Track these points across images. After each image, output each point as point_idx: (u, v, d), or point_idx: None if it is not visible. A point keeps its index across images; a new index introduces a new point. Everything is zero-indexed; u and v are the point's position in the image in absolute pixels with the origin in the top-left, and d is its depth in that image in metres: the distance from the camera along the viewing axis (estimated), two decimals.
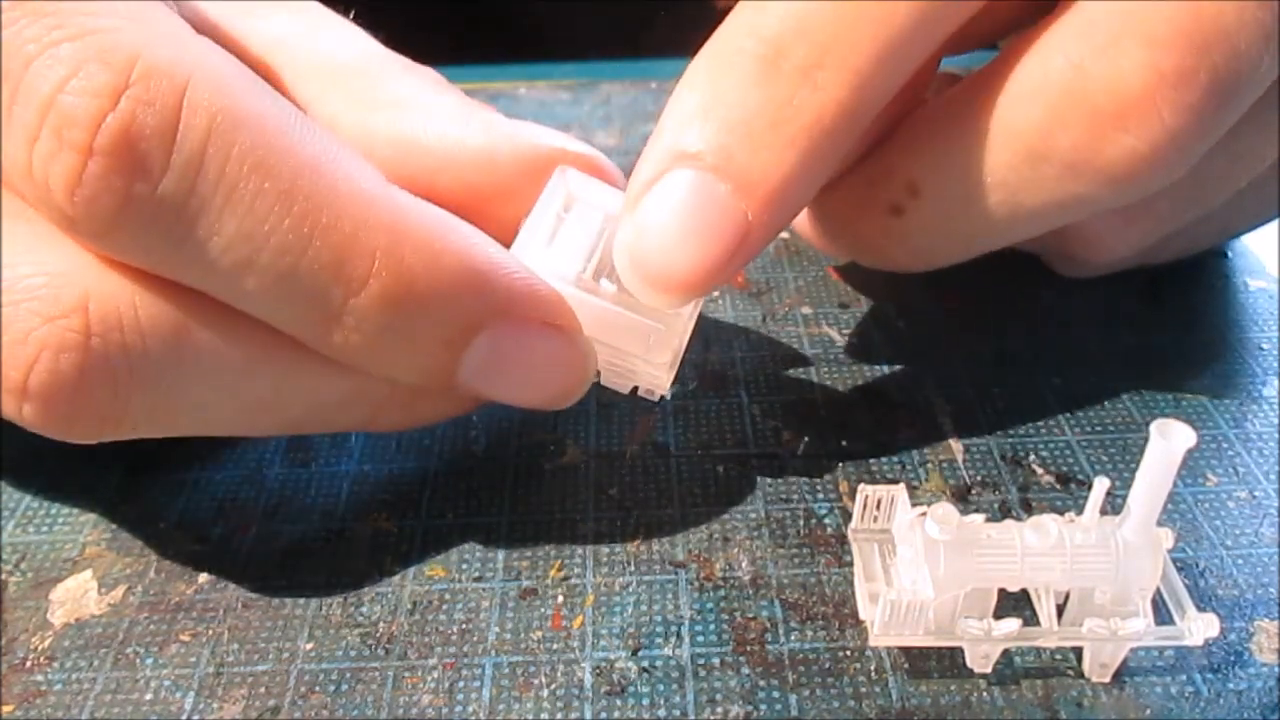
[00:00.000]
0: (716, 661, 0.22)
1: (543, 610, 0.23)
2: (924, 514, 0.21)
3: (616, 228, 0.23)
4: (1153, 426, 0.19)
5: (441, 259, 0.21)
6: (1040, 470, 0.26)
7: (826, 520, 0.25)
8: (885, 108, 0.23)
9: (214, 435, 0.24)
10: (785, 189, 0.21)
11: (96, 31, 0.18)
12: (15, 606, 0.23)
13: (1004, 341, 0.30)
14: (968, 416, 0.27)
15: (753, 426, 0.27)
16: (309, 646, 0.22)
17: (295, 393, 0.22)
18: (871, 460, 0.26)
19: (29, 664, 0.22)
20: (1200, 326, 0.30)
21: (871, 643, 0.22)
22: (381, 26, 0.27)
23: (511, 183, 0.24)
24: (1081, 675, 0.21)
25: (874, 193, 0.26)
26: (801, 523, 0.25)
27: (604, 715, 0.21)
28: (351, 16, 0.27)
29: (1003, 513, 0.25)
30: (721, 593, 0.23)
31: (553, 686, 0.21)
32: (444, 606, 0.23)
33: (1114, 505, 0.21)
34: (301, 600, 0.23)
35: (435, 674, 0.22)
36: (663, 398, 0.25)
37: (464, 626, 0.23)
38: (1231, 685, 0.21)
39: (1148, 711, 0.21)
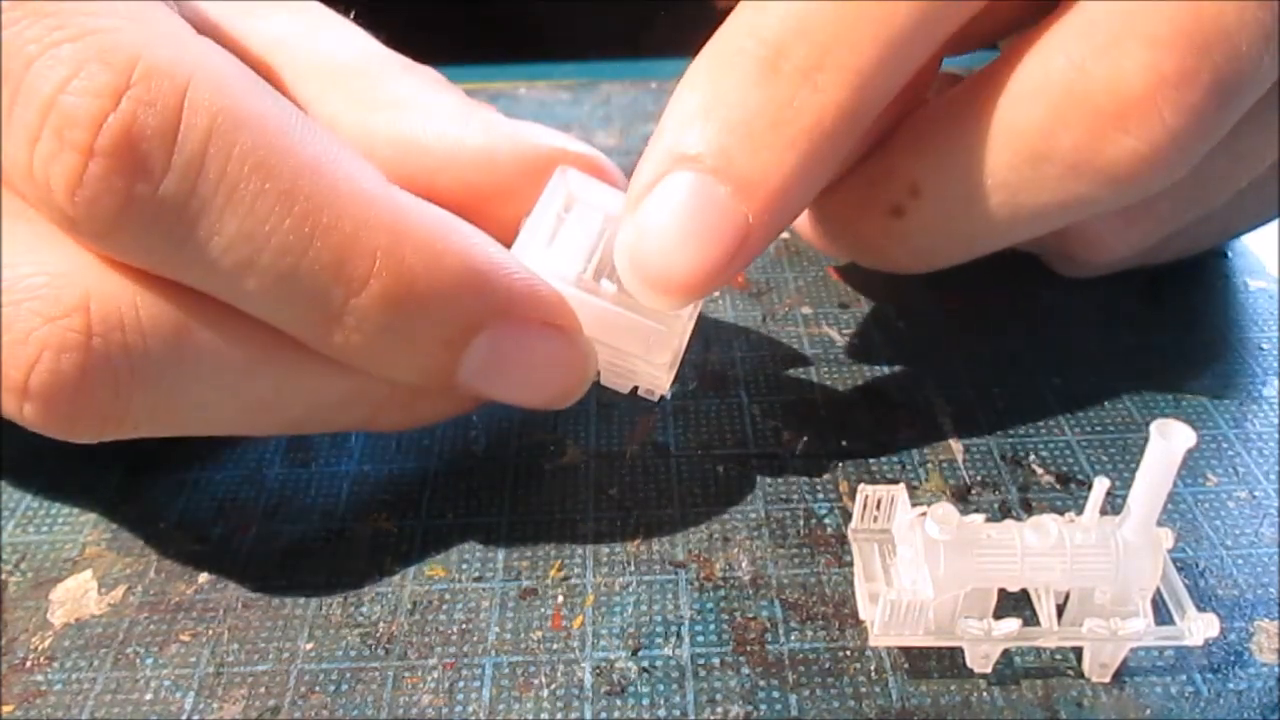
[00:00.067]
0: (716, 661, 0.22)
1: (543, 610, 0.23)
2: (924, 514, 0.21)
3: (617, 228, 0.23)
4: (1153, 426, 0.19)
5: (442, 259, 0.21)
6: (1040, 470, 0.26)
7: (826, 520, 0.25)
8: (886, 108, 0.23)
9: (214, 435, 0.24)
10: (785, 190, 0.21)
11: (97, 32, 0.18)
12: (15, 606, 0.23)
13: (1004, 341, 0.30)
14: (968, 416, 0.27)
15: (753, 426, 0.27)
16: (309, 646, 0.22)
17: (296, 393, 0.22)
18: (871, 460, 0.26)
19: (29, 664, 0.22)
20: (1200, 326, 0.30)
21: (871, 643, 0.22)
22: (381, 26, 0.27)
23: (511, 182, 0.24)
24: (1081, 675, 0.21)
25: (875, 193, 0.26)
26: (801, 523, 0.25)
27: (604, 715, 0.21)
28: (351, 16, 0.27)
29: (1003, 513, 0.25)
30: (721, 593, 0.23)
31: (553, 686, 0.21)
32: (444, 606, 0.23)
33: (1114, 505, 0.21)
34: (301, 600, 0.23)
35: (435, 674, 0.22)
36: (663, 398, 0.25)
37: (464, 626, 0.23)
38: (1231, 685, 0.21)
39: (1148, 711, 0.21)
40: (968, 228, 0.25)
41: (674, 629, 0.22)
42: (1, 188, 0.20)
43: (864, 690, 0.21)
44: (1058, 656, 0.22)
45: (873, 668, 0.21)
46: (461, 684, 0.21)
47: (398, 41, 0.26)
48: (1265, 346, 0.30)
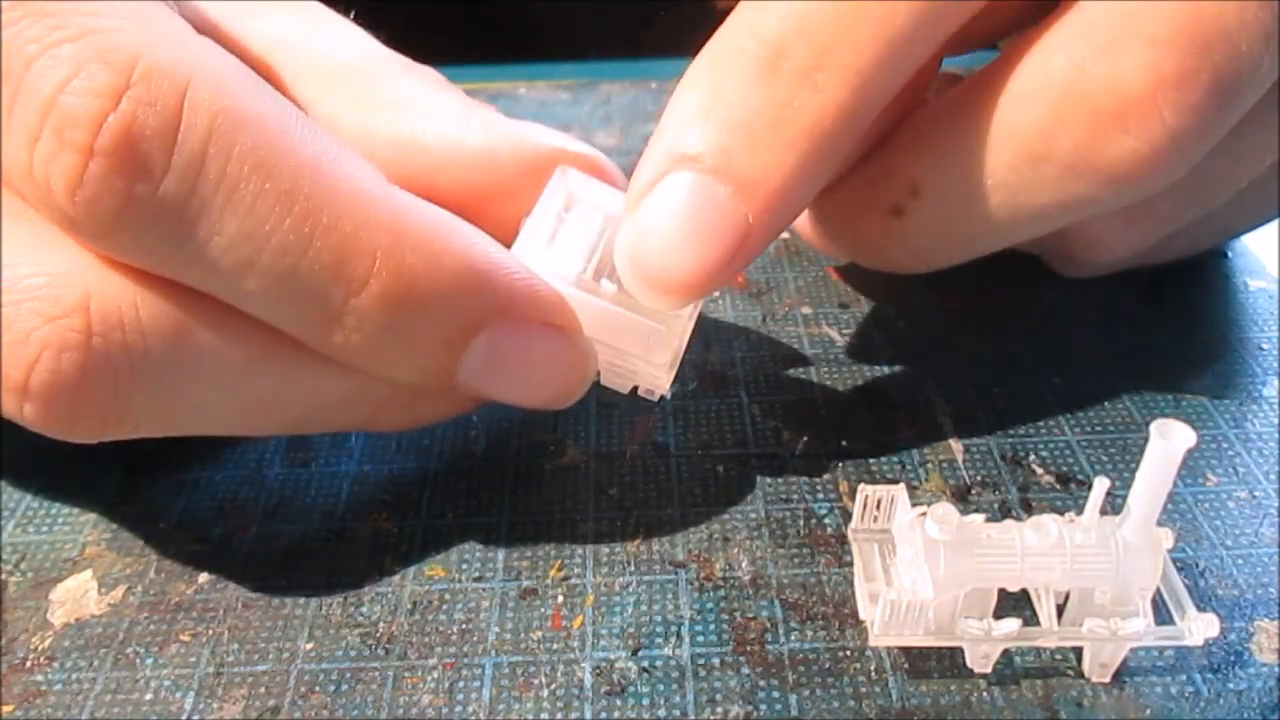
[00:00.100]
0: (716, 661, 0.22)
1: (543, 610, 0.23)
2: (924, 514, 0.21)
3: (617, 228, 0.23)
4: (1153, 426, 0.19)
5: (442, 259, 0.21)
6: (1040, 470, 0.26)
7: (826, 520, 0.25)
8: (886, 108, 0.23)
9: (214, 435, 0.24)
10: (785, 191, 0.21)
11: (97, 32, 0.18)
12: (15, 606, 0.23)
13: (1004, 341, 0.30)
14: (968, 416, 0.27)
15: (753, 426, 0.27)
16: (309, 646, 0.22)
17: (296, 392, 0.22)
18: (871, 460, 0.26)
19: (29, 664, 0.22)
20: (1200, 326, 0.30)
21: (871, 643, 0.22)
22: (381, 26, 0.27)
23: (511, 182, 0.24)
24: (1081, 675, 0.21)
25: (875, 193, 0.26)
26: (801, 523, 0.25)
27: (604, 715, 0.21)
28: (351, 16, 0.27)
29: (1003, 513, 0.25)
30: (721, 593, 0.23)
31: (553, 686, 0.21)
32: (444, 606, 0.23)
33: (1114, 505, 0.21)
34: (301, 600, 0.23)
35: (435, 674, 0.22)
36: (663, 398, 0.25)
37: (464, 626, 0.23)
38: (1231, 685, 0.21)
39: (1148, 711, 0.21)
40: (968, 228, 0.25)
41: (674, 629, 0.22)
42: (1, 188, 0.20)
43: (864, 690, 0.21)
44: (1058, 656, 0.22)
45: (873, 668, 0.21)
46: (461, 684, 0.21)
47: (398, 41, 0.26)
48: (1265, 346, 0.30)
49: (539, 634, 0.22)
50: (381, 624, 0.23)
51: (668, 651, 0.22)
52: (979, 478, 0.26)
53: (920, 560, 0.20)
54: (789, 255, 0.34)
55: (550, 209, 0.24)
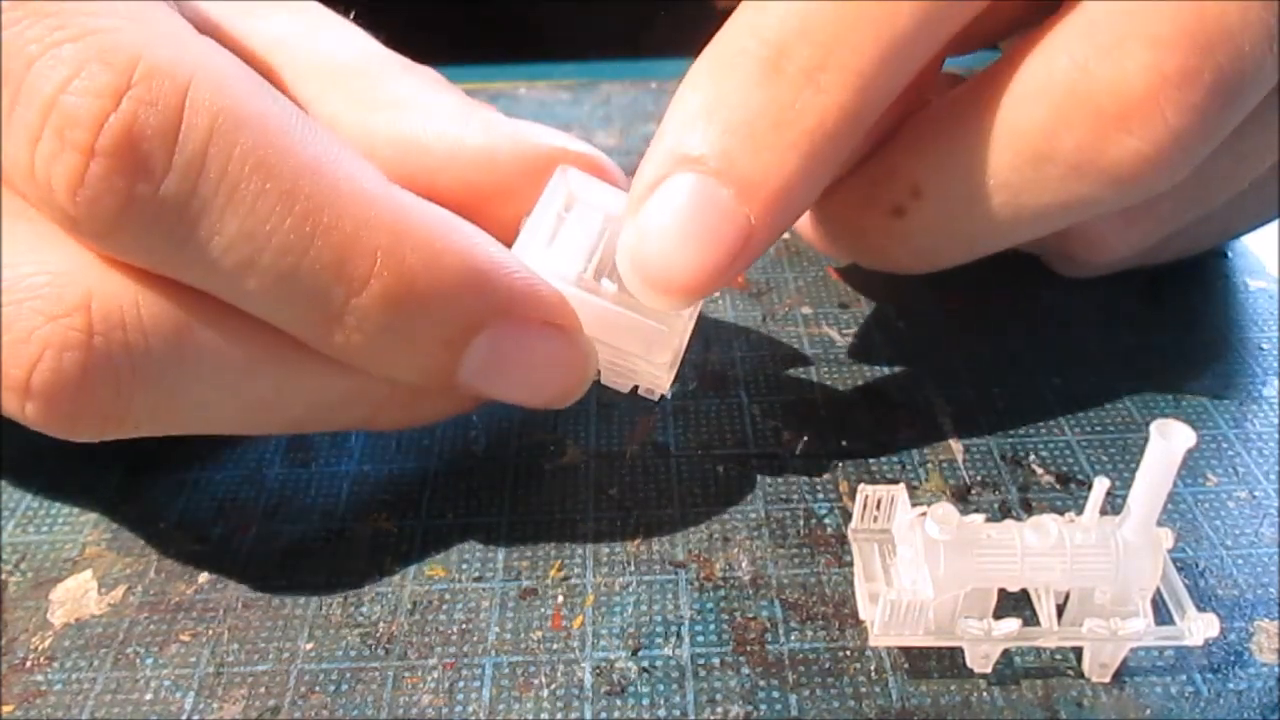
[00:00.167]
0: (716, 661, 0.22)
1: (543, 610, 0.23)
2: (924, 514, 0.21)
3: (618, 228, 0.23)
4: (1153, 426, 0.19)
5: (443, 258, 0.21)
6: (1040, 470, 0.26)
7: (826, 520, 0.25)
8: (888, 108, 0.23)
9: (215, 434, 0.24)
10: (787, 192, 0.21)
11: (98, 32, 0.18)
12: (15, 606, 0.23)
13: (1004, 341, 0.30)
14: (968, 416, 0.27)
15: (753, 426, 0.27)
16: (309, 646, 0.22)
17: (296, 392, 0.22)
18: (871, 460, 0.26)
19: (29, 664, 0.22)
20: (1200, 326, 0.30)
21: (871, 643, 0.22)
22: (381, 26, 0.27)
23: (512, 182, 0.24)
24: (1081, 675, 0.21)
25: (876, 194, 0.26)
26: (801, 523, 0.25)
27: (604, 715, 0.21)
28: (351, 16, 0.27)
29: (1003, 513, 0.25)
30: (721, 593, 0.23)
31: (553, 686, 0.21)
32: (444, 606, 0.23)
33: (1114, 505, 0.21)
34: (301, 600, 0.23)
35: (435, 674, 0.22)
36: (663, 398, 0.25)
37: (464, 626, 0.23)
38: (1231, 685, 0.21)
39: (1148, 711, 0.21)
40: (969, 228, 0.25)
41: (674, 629, 0.22)
42: (3, 187, 0.20)
43: (864, 690, 0.21)
44: (1058, 656, 0.22)
45: (873, 668, 0.21)
46: (461, 684, 0.21)
47: (398, 41, 0.26)
48: (1265, 346, 0.30)
49: (539, 634, 0.22)
50: (381, 624, 0.23)
51: (668, 651, 0.22)
52: (979, 478, 0.26)
53: (920, 560, 0.20)
54: (789, 255, 0.34)
55: (551, 208, 0.24)
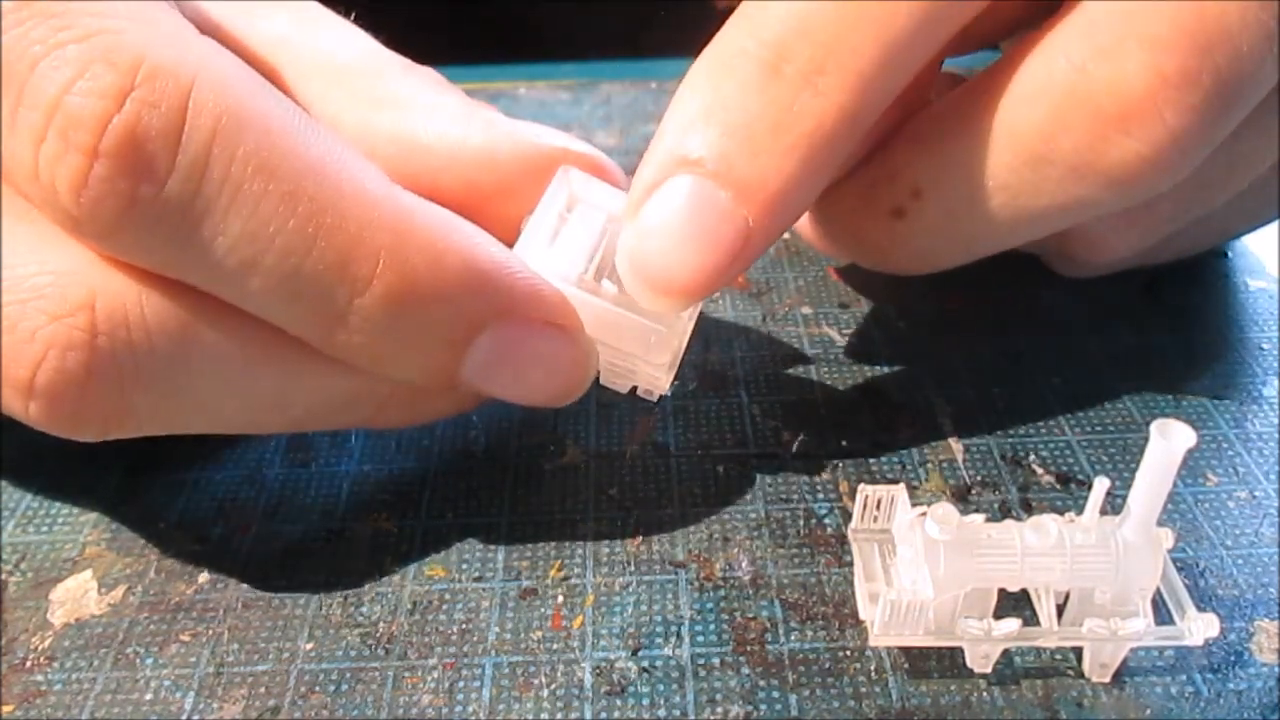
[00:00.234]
0: (716, 661, 0.22)
1: (543, 610, 0.23)
2: (924, 514, 0.21)
3: (618, 229, 0.23)
4: (1153, 426, 0.19)
5: (445, 259, 0.21)
6: (1040, 470, 0.26)
7: (826, 520, 0.25)
8: (888, 109, 0.23)
9: (217, 433, 0.24)
10: (786, 194, 0.21)
11: (102, 33, 0.19)
12: (15, 606, 0.23)
13: (1004, 341, 0.30)
14: (968, 416, 0.27)
15: (753, 426, 0.27)
16: (309, 646, 0.22)
17: (298, 392, 0.22)
18: (871, 460, 0.26)
19: (29, 664, 0.22)
20: (1200, 326, 0.30)
21: (871, 643, 0.22)
22: (381, 26, 0.27)
23: (513, 182, 0.24)
24: (1081, 675, 0.21)
25: (876, 195, 0.26)
26: (801, 523, 0.25)
27: (604, 715, 0.21)
28: (352, 16, 0.27)
29: (1003, 513, 0.25)
30: (721, 593, 0.23)
31: (553, 686, 0.21)
32: (444, 606, 0.23)
33: (1114, 505, 0.21)
34: (301, 600, 0.23)
35: (435, 674, 0.22)
36: (663, 398, 0.25)
37: (464, 626, 0.23)
38: (1231, 685, 0.21)
39: (1148, 711, 0.21)
40: (969, 229, 0.25)
41: (674, 629, 0.22)
42: (6, 188, 0.20)
43: (864, 690, 0.21)
44: (1058, 656, 0.22)
45: (873, 668, 0.21)
46: (461, 684, 0.21)
47: (398, 41, 0.26)
48: (1265, 346, 0.30)
49: (539, 634, 0.22)
50: (381, 624, 0.23)
51: (668, 651, 0.22)
52: (979, 478, 0.26)
53: (920, 560, 0.20)
54: (789, 255, 0.34)
55: (552, 209, 0.24)
